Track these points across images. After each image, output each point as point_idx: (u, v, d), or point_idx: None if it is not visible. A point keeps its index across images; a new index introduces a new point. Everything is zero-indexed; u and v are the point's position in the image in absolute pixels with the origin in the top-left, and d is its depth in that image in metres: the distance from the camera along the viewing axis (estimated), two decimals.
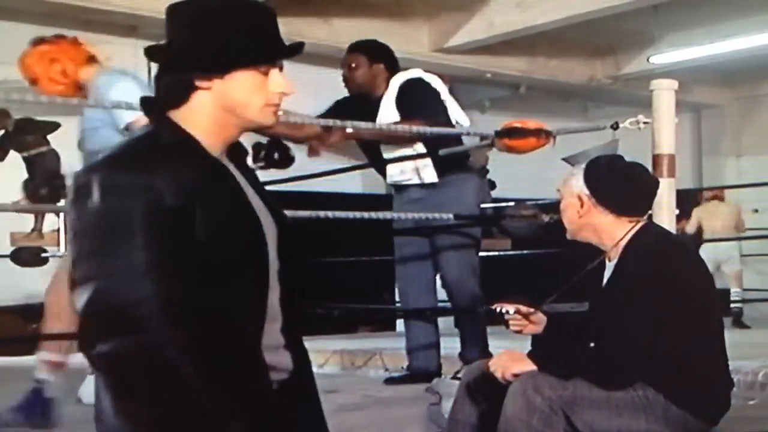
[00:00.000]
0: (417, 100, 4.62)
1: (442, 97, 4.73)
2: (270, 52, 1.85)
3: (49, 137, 8.75)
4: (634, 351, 2.65)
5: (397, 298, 9.58)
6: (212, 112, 1.81)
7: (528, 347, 3.01)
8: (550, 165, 4.45)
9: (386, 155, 4.79)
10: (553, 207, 3.40)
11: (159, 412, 1.66)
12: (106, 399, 1.71)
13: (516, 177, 6.70)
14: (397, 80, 4.70)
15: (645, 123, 4.28)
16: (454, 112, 4.73)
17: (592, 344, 2.89)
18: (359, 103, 4.73)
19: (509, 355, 2.84)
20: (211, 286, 1.71)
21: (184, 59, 1.79)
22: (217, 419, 1.66)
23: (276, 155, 4.46)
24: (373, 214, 4.53)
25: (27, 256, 6.88)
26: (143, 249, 1.65)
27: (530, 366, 2.73)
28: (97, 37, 8.14)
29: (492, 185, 6.72)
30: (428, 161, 4.65)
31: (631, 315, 2.66)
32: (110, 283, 1.66)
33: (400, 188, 4.83)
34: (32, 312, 8.29)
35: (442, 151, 4.61)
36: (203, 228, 1.71)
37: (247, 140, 2.17)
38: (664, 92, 4.18)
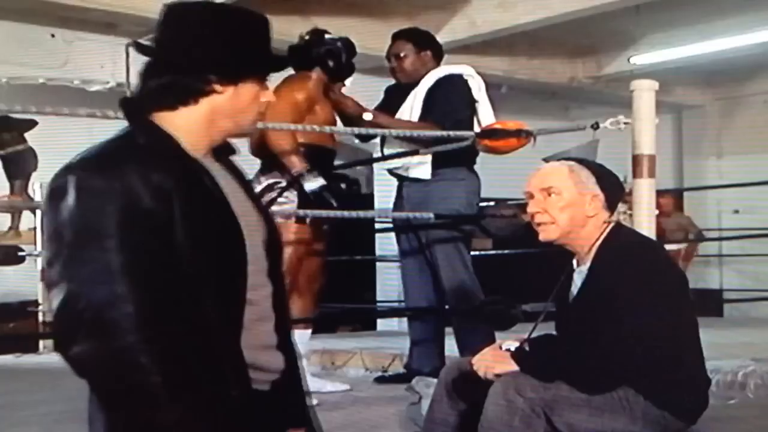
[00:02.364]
0: (443, 100, 4.60)
1: (476, 96, 4.70)
2: (278, 62, 1.96)
3: (27, 135, 8.73)
4: (615, 355, 2.64)
5: (378, 297, 9.67)
6: (210, 116, 1.84)
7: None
8: (531, 165, 4.45)
9: (386, 150, 4.81)
10: None
11: (130, 416, 1.66)
12: (93, 401, 1.73)
13: (496, 177, 6.69)
14: (437, 73, 4.68)
15: (625, 123, 4.29)
16: (484, 111, 4.70)
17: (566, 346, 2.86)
18: (404, 90, 4.71)
19: (493, 354, 2.82)
20: (185, 288, 1.71)
21: (200, 63, 1.82)
22: (182, 427, 1.65)
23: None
24: (354, 214, 4.52)
25: (3, 255, 6.83)
26: (116, 251, 1.65)
27: (513, 366, 2.71)
28: (74, 34, 8.11)
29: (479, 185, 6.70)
30: (425, 158, 4.65)
31: (611, 319, 2.64)
32: (82, 286, 1.64)
33: (399, 179, 4.84)
34: (9, 311, 8.28)
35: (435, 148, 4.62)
36: (179, 229, 1.70)
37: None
38: (645, 93, 4.20)
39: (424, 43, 4.79)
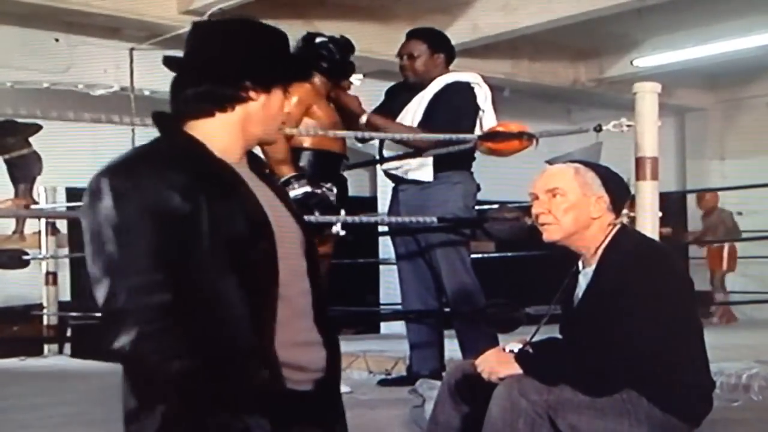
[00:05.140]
0: (447, 108, 4.60)
1: (481, 105, 4.69)
2: (302, 71, 2.19)
3: (31, 139, 8.74)
4: (619, 358, 2.64)
5: (381, 300, 9.67)
6: (244, 122, 1.98)
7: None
8: (534, 168, 4.46)
9: (386, 152, 4.81)
10: None
11: (156, 399, 1.78)
12: (129, 396, 1.84)
13: (499, 180, 6.69)
14: (445, 79, 4.67)
15: (628, 126, 4.29)
16: (488, 121, 4.70)
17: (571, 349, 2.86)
18: (407, 92, 4.72)
19: (496, 356, 2.81)
20: (214, 283, 1.82)
21: (236, 71, 1.97)
22: (197, 418, 1.76)
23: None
24: (357, 218, 4.53)
25: (7, 258, 6.84)
26: (148, 246, 1.78)
27: (516, 369, 2.71)
28: (78, 39, 8.12)
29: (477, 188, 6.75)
30: (426, 161, 4.65)
31: (615, 321, 2.64)
32: (121, 280, 1.77)
33: (395, 182, 4.84)
34: (13, 314, 8.28)
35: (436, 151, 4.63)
36: (206, 224, 1.82)
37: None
38: (648, 95, 4.20)
39: (439, 45, 4.77)
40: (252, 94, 1.97)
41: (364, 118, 4.55)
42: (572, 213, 2.82)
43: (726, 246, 10.13)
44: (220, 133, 1.96)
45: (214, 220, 1.82)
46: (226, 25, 2.07)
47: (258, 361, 1.84)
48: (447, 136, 4.51)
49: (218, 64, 1.96)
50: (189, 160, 1.89)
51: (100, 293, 1.80)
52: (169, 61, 1.99)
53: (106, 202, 1.80)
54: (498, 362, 2.77)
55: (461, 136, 4.55)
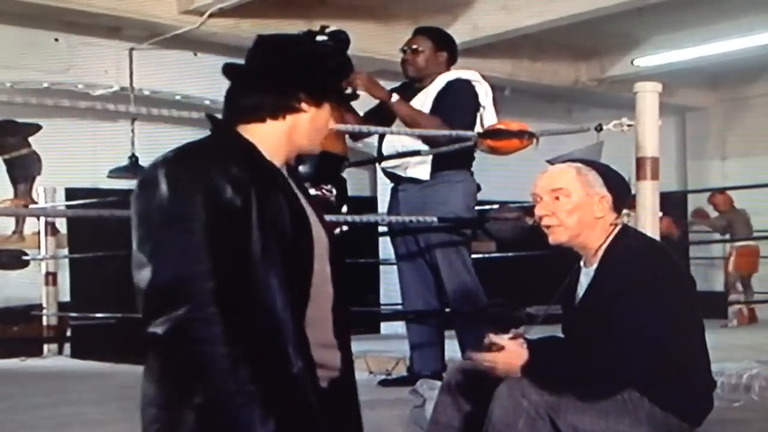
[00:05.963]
0: (450, 105, 4.60)
1: (482, 102, 4.70)
2: (353, 95, 2.29)
3: (31, 139, 8.73)
4: (619, 358, 2.63)
5: (381, 300, 9.65)
6: (291, 131, 2.06)
7: None
8: (534, 168, 4.45)
9: (385, 150, 4.80)
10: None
11: (194, 384, 1.81)
12: (161, 384, 1.87)
13: (499, 180, 6.69)
14: (446, 77, 4.68)
15: (629, 125, 4.29)
16: (488, 117, 4.70)
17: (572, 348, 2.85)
18: (409, 92, 4.72)
19: (505, 356, 2.81)
20: (261, 273, 1.87)
21: (292, 82, 2.06)
22: (241, 403, 1.79)
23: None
24: (357, 218, 4.52)
25: (7, 258, 6.83)
26: (199, 234, 1.83)
27: (516, 371, 2.71)
28: (78, 39, 8.11)
29: (477, 188, 6.76)
30: (425, 159, 4.64)
31: (616, 321, 2.64)
32: (169, 263, 1.82)
33: (394, 181, 4.83)
34: (13, 315, 8.28)
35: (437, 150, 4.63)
36: (255, 217, 1.88)
37: None
38: (648, 95, 4.19)
39: (443, 44, 4.79)
40: (304, 105, 2.06)
41: (396, 97, 4.56)
42: (576, 214, 2.82)
43: (732, 249, 10.14)
44: (268, 138, 2.04)
45: (263, 213, 1.89)
46: (288, 39, 2.15)
47: (299, 352, 1.89)
48: (454, 132, 4.50)
49: (277, 74, 2.05)
50: (241, 155, 1.96)
51: (144, 277, 1.83)
52: (229, 69, 2.08)
53: (162, 189, 1.86)
54: (499, 363, 2.77)
55: (462, 133, 4.54)
